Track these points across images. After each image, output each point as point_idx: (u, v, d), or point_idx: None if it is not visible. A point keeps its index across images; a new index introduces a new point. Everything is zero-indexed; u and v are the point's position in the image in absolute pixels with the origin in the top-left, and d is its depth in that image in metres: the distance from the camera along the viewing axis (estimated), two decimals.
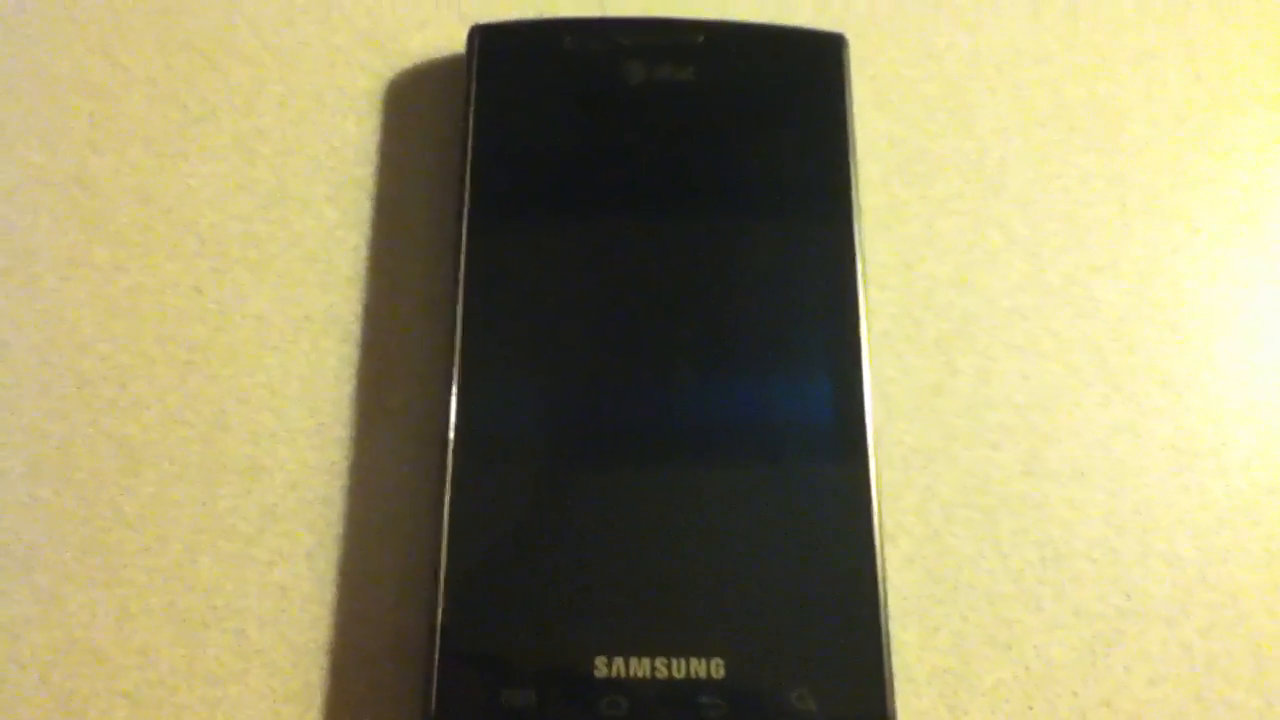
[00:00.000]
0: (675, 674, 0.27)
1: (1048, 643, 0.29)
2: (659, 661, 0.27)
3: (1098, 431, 0.31)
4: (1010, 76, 0.35)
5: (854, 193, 0.31)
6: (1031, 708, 0.29)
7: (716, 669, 0.27)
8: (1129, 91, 0.35)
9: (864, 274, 0.30)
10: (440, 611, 0.27)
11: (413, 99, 0.34)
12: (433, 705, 0.26)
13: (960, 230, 0.33)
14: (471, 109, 0.32)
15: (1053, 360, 0.32)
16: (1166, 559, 0.30)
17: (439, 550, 0.28)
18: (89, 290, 0.32)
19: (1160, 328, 0.32)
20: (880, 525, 0.28)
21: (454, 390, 0.29)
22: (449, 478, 0.28)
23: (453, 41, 0.34)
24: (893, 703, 0.27)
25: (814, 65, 0.33)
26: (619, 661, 0.27)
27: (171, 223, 0.32)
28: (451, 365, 0.29)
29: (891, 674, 0.27)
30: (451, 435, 0.29)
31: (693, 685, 0.27)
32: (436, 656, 0.27)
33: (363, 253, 0.32)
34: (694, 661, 0.27)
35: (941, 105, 0.35)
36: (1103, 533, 0.30)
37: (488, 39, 0.33)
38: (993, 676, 0.29)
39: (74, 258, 0.32)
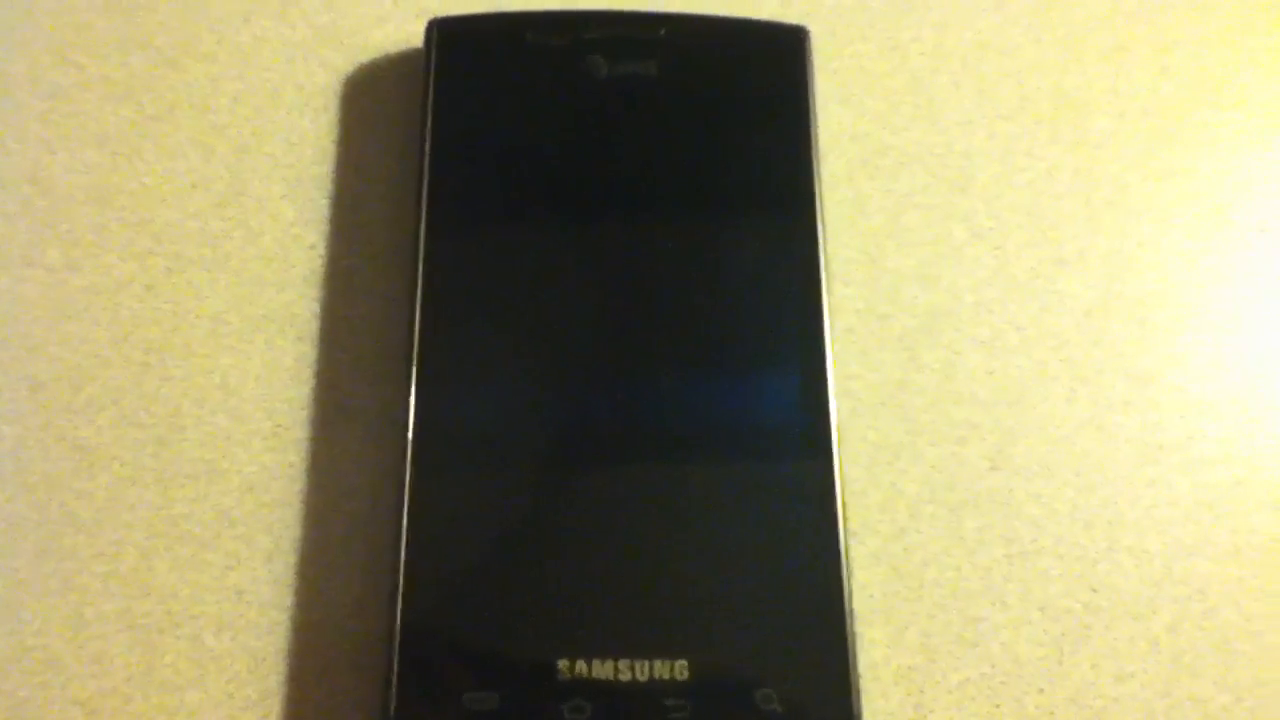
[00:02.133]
0: (639, 676, 0.26)
1: (1014, 640, 0.29)
2: (623, 663, 0.27)
3: (1064, 427, 0.31)
4: (975, 70, 0.35)
5: (817, 187, 0.31)
6: (999, 706, 0.29)
7: (681, 670, 0.27)
8: (1096, 85, 0.35)
9: (827, 269, 0.30)
10: (400, 614, 0.27)
11: (371, 95, 0.34)
12: (393, 709, 0.26)
13: (925, 225, 0.33)
14: (430, 104, 0.31)
15: (1018, 355, 0.32)
16: (1133, 554, 0.30)
17: (399, 553, 0.27)
18: (42, 291, 0.31)
19: (1127, 322, 0.32)
20: (845, 523, 0.28)
21: (413, 391, 0.29)
22: (408, 479, 0.28)
23: (412, 36, 0.34)
24: (859, 703, 0.26)
25: (776, 59, 0.32)
26: (582, 664, 0.27)
27: (126, 222, 0.32)
28: (410, 365, 0.29)
29: (857, 674, 0.27)
30: (411, 436, 0.28)
31: (657, 687, 0.26)
32: (396, 660, 0.26)
33: (320, 251, 0.32)
34: (658, 663, 0.27)
35: (906, 99, 0.34)
36: (1069, 529, 0.30)
37: (446, 33, 0.32)
38: (959, 675, 0.29)
39: (27, 258, 0.31)
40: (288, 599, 0.29)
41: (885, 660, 0.29)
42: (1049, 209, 0.33)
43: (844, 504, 0.28)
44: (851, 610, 0.27)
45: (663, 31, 0.32)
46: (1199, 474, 0.31)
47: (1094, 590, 0.30)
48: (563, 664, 0.27)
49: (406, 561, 0.27)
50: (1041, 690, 0.29)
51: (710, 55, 0.32)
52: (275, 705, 0.28)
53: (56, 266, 0.31)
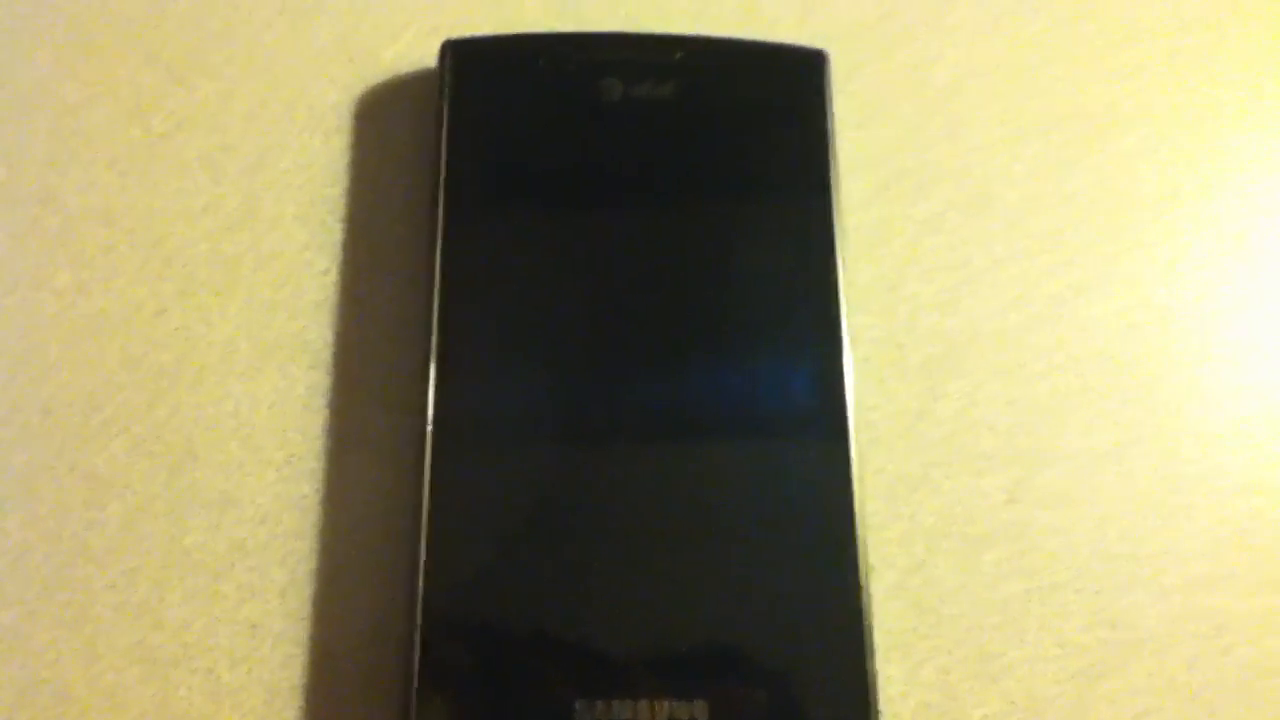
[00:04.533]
0: (658, 717, 0.26)
1: (1033, 676, 0.29)
2: (641, 705, 0.26)
3: (1083, 458, 0.31)
4: (996, 91, 0.34)
5: (835, 214, 0.30)
6: None
7: (700, 711, 0.26)
8: (1117, 107, 0.35)
9: (847, 298, 0.30)
10: (417, 652, 0.26)
11: (384, 115, 0.33)
12: None
13: (944, 250, 0.33)
14: (444, 126, 0.31)
15: (1038, 385, 0.31)
16: (1152, 589, 0.30)
17: (415, 589, 0.27)
18: (51, 313, 0.31)
19: (1147, 351, 0.32)
20: (865, 559, 0.28)
21: (429, 419, 0.28)
22: (425, 512, 0.28)
23: (425, 55, 0.33)
24: None
25: (795, 82, 0.32)
26: (600, 705, 0.26)
27: (136, 243, 0.32)
28: (426, 393, 0.28)
29: (878, 714, 0.26)
30: (428, 467, 0.28)
31: None
32: (414, 700, 0.26)
33: (333, 276, 0.32)
34: (677, 704, 0.26)
35: (926, 121, 0.34)
36: (1088, 563, 0.30)
37: (460, 54, 0.32)
38: (979, 711, 0.29)
39: (36, 279, 0.31)
40: (303, 632, 0.28)
41: (903, 696, 0.29)
42: (1069, 234, 0.33)
43: (864, 539, 0.28)
44: (873, 650, 0.27)
45: (679, 55, 0.32)
46: (1219, 507, 0.31)
47: (1113, 626, 0.29)
48: (580, 705, 0.26)
49: (424, 595, 0.27)
50: None
51: (727, 79, 0.32)
52: None
53: (66, 289, 0.31)
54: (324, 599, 0.29)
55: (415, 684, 0.26)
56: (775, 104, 0.32)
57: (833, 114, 0.32)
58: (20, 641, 0.28)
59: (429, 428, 0.28)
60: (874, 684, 0.27)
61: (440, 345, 0.29)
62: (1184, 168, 0.34)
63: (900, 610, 0.29)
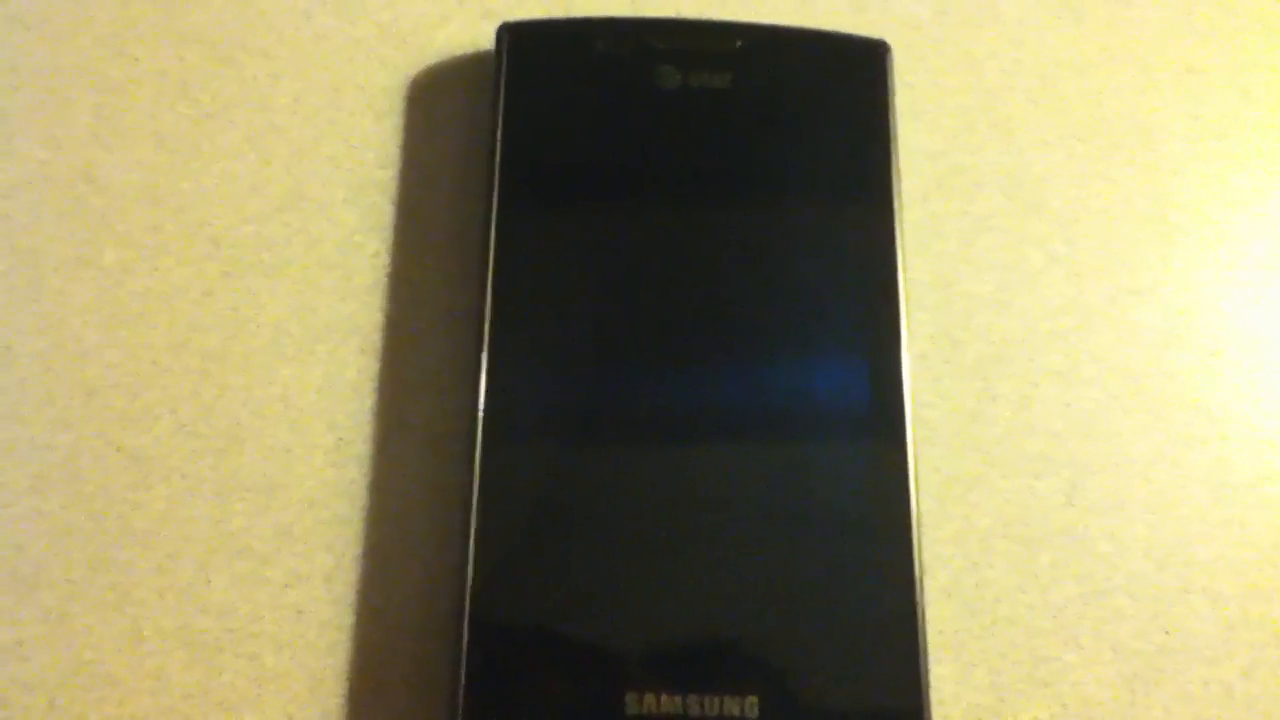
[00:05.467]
0: (708, 711, 0.26)
1: (1086, 681, 0.29)
2: (691, 699, 0.26)
3: (1138, 462, 0.30)
4: (1052, 88, 0.34)
5: (896, 208, 0.30)
6: None
7: (751, 707, 0.26)
8: (1173, 107, 0.34)
9: (907, 294, 0.29)
10: (465, 644, 0.26)
11: (436, 97, 0.33)
12: None
13: (1000, 248, 0.32)
14: (500, 110, 0.30)
15: (1093, 386, 0.31)
16: (1208, 595, 0.29)
17: (464, 578, 0.27)
18: (96, 294, 0.30)
19: (1202, 354, 0.32)
20: (920, 559, 0.27)
21: (481, 405, 0.28)
22: (475, 498, 0.27)
23: (478, 37, 0.33)
24: None
25: (856, 73, 0.31)
26: (650, 698, 0.26)
27: (182, 224, 0.31)
28: (479, 378, 0.28)
29: (930, 714, 0.26)
30: (478, 454, 0.27)
31: None
32: (461, 691, 0.26)
33: (383, 259, 0.31)
34: (727, 699, 0.26)
35: (981, 116, 0.34)
36: (1142, 566, 0.30)
37: (517, 37, 0.31)
38: (1030, 715, 0.28)
39: (80, 259, 0.31)
40: (348, 619, 0.28)
41: (954, 698, 0.28)
42: (1125, 234, 0.33)
43: (918, 539, 0.27)
44: (926, 648, 0.27)
45: (738, 43, 0.31)
46: (1274, 513, 0.30)
47: (1167, 632, 0.29)
48: (630, 698, 0.26)
49: (473, 584, 0.27)
50: None
51: (787, 68, 0.31)
52: None
53: (111, 268, 0.31)
54: (371, 585, 0.28)
55: (463, 674, 0.26)
56: (836, 95, 0.31)
57: (895, 106, 0.31)
58: (63, 624, 0.28)
59: (480, 416, 0.28)
60: (927, 683, 0.26)
61: (492, 333, 0.28)
62: (1240, 169, 0.34)
63: (952, 611, 0.29)
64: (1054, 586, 0.29)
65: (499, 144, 0.30)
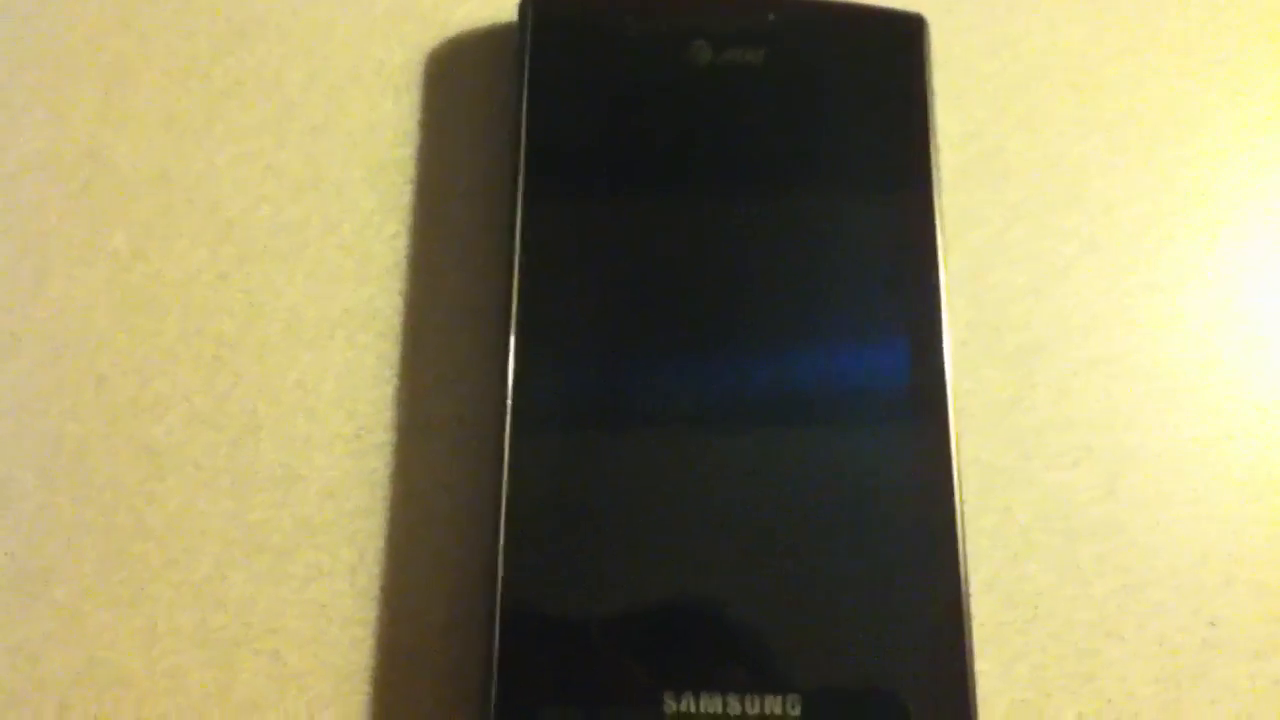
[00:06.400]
0: (749, 711, 0.25)
1: (1130, 675, 0.28)
2: (731, 698, 0.25)
3: (1180, 453, 0.30)
4: (1089, 70, 0.33)
5: (936, 190, 0.29)
6: None
7: (793, 705, 0.25)
8: (1215, 91, 0.33)
9: (947, 279, 0.28)
10: (496, 642, 0.25)
11: (456, 74, 0.32)
12: None
13: (1036, 236, 0.31)
14: (524, 87, 0.29)
15: (1134, 376, 0.30)
16: (1252, 588, 0.29)
17: (494, 573, 0.26)
18: (105, 280, 0.29)
19: (1246, 343, 0.31)
20: (964, 553, 0.26)
21: (509, 393, 0.27)
22: (505, 491, 0.26)
23: (499, 12, 0.32)
24: None
25: (893, 49, 0.30)
26: (689, 698, 0.25)
27: (194, 207, 0.30)
28: (506, 366, 0.27)
29: (977, 711, 0.25)
30: (507, 447, 0.26)
31: None
32: (494, 691, 0.25)
33: (403, 241, 0.30)
34: (769, 699, 0.25)
35: (1017, 99, 0.33)
36: (1185, 559, 0.29)
37: (541, 10, 0.30)
38: (1073, 710, 0.28)
39: (88, 244, 0.30)
40: (373, 614, 0.27)
41: (997, 693, 0.28)
42: (1164, 222, 0.32)
43: (963, 534, 0.27)
44: (972, 645, 0.26)
45: (771, 17, 0.30)
46: None
47: (1212, 625, 0.28)
48: (668, 697, 0.25)
49: (504, 579, 0.26)
50: None
51: (822, 43, 0.30)
52: None
53: (122, 253, 0.30)
54: (395, 580, 0.27)
55: (495, 674, 0.25)
56: (872, 71, 0.30)
57: (932, 84, 0.30)
58: (76, 621, 0.27)
59: (508, 404, 0.27)
60: (973, 681, 0.26)
61: (519, 319, 0.27)
62: None
63: (994, 605, 0.28)
64: (1096, 579, 0.28)
65: (523, 122, 0.29)
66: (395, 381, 0.29)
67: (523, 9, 0.30)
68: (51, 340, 0.29)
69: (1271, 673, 0.28)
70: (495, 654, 0.25)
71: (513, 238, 0.28)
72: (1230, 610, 0.28)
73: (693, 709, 0.25)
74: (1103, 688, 0.28)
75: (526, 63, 0.30)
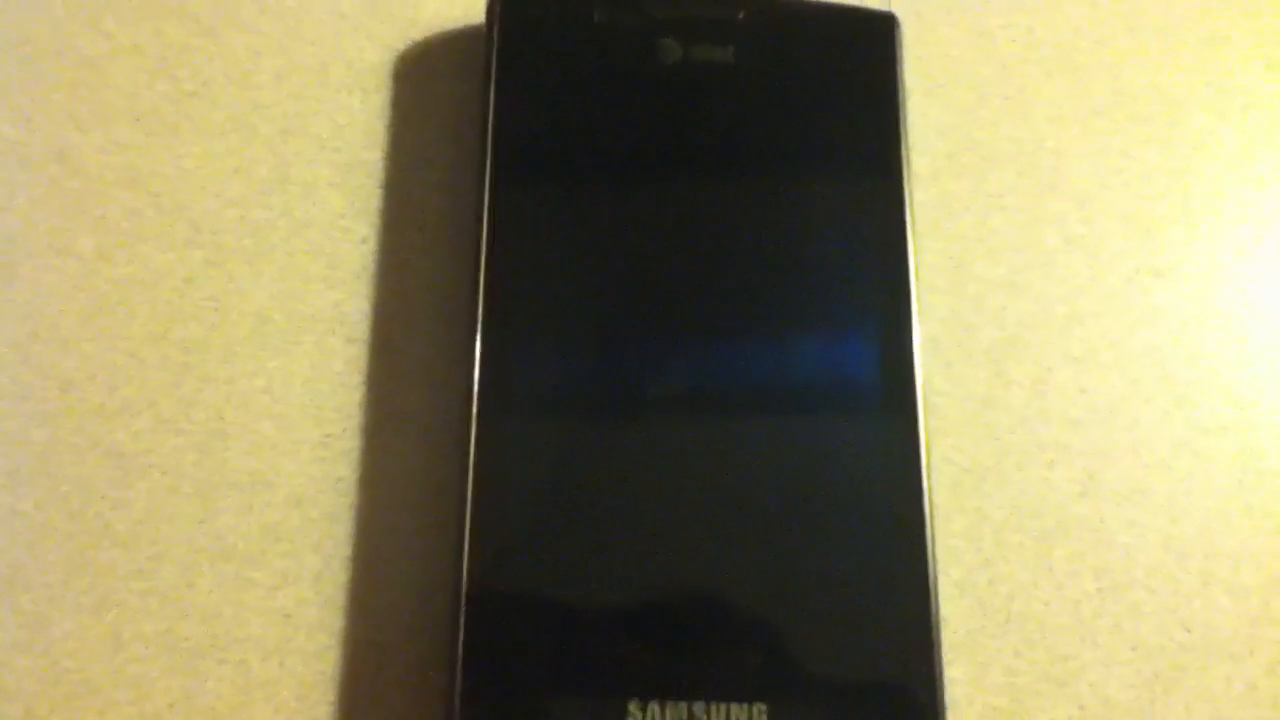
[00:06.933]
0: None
1: (1105, 680, 0.28)
2: (697, 707, 0.25)
3: (1158, 450, 0.29)
4: (1068, 60, 0.33)
5: (906, 186, 0.29)
6: None
7: (759, 715, 0.25)
8: (1194, 79, 0.33)
9: (917, 275, 0.28)
10: (461, 650, 0.25)
11: (426, 74, 0.31)
12: None
13: (1014, 228, 0.31)
14: (492, 86, 0.29)
15: (1111, 372, 0.30)
16: (1230, 590, 0.28)
17: (459, 578, 0.25)
18: (71, 282, 0.29)
19: (1225, 338, 0.30)
20: (934, 555, 0.26)
21: (474, 396, 0.27)
22: (469, 495, 0.26)
23: (469, 11, 0.32)
24: None
25: (864, 46, 0.30)
26: (654, 707, 0.25)
27: (161, 208, 0.30)
28: (471, 368, 0.27)
29: (946, 718, 0.25)
30: (472, 447, 0.26)
31: None
32: (457, 701, 0.25)
33: (371, 244, 0.30)
34: (734, 708, 0.25)
35: (995, 90, 0.32)
36: (1162, 560, 0.28)
37: (509, 9, 0.30)
38: (1047, 716, 0.27)
39: (54, 245, 0.29)
40: (338, 621, 0.27)
41: (968, 699, 0.27)
42: (1144, 213, 0.31)
43: (932, 536, 0.26)
44: (941, 655, 0.25)
45: (741, 14, 0.30)
46: None
47: (1188, 629, 0.28)
48: (633, 707, 0.25)
49: (469, 585, 0.25)
50: None
51: (792, 41, 0.30)
52: None
53: (87, 255, 0.29)
54: (361, 586, 0.27)
55: (459, 681, 0.25)
56: (843, 69, 0.30)
57: (904, 81, 0.30)
58: (40, 629, 0.27)
59: (474, 405, 0.26)
60: (943, 688, 0.25)
61: (486, 318, 0.27)
62: (1265, 144, 0.32)
63: (966, 608, 0.28)
64: (1070, 581, 0.28)
65: (491, 121, 0.29)
66: (363, 386, 0.29)
67: (490, 9, 0.30)
68: (16, 344, 0.28)
69: (1248, 676, 0.28)
70: (459, 663, 0.25)
71: (479, 239, 0.28)
72: (1208, 613, 0.28)
73: (658, 718, 0.25)
74: (1077, 694, 0.27)
75: (494, 62, 0.29)
